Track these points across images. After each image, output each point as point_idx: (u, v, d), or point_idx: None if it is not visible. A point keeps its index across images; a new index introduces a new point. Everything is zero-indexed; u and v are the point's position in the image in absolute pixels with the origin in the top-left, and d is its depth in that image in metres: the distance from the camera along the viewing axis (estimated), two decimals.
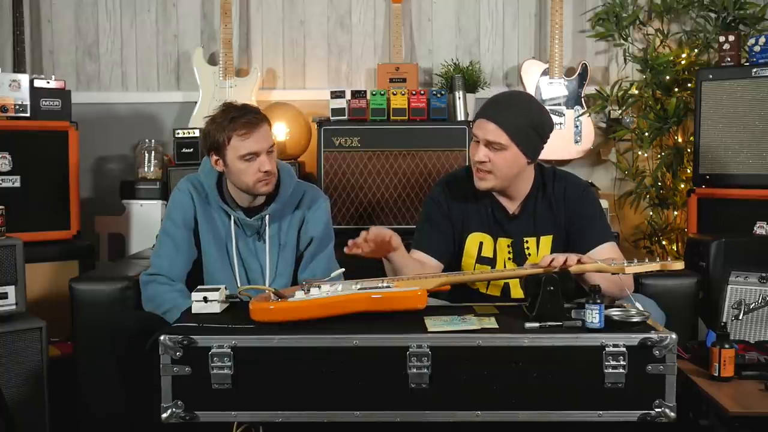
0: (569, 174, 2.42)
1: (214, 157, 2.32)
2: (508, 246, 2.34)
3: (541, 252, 2.30)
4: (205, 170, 2.41)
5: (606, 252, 2.22)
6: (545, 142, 2.31)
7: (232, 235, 2.39)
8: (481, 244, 2.35)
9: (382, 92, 3.24)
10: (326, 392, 1.82)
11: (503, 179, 2.26)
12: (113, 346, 2.18)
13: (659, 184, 3.61)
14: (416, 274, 2.16)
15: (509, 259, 2.34)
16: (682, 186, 3.55)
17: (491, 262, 2.35)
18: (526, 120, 2.23)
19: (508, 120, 2.21)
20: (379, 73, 3.57)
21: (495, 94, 2.43)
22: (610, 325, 1.85)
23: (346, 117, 3.25)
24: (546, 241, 2.32)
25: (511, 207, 2.35)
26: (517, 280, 2.28)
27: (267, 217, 2.39)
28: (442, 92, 3.28)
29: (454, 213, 2.37)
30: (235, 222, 2.39)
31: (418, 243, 2.37)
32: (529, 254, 2.32)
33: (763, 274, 2.51)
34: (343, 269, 2.21)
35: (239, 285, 2.37)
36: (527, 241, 2.33)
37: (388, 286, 2.00)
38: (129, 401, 2.20)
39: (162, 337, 1.81)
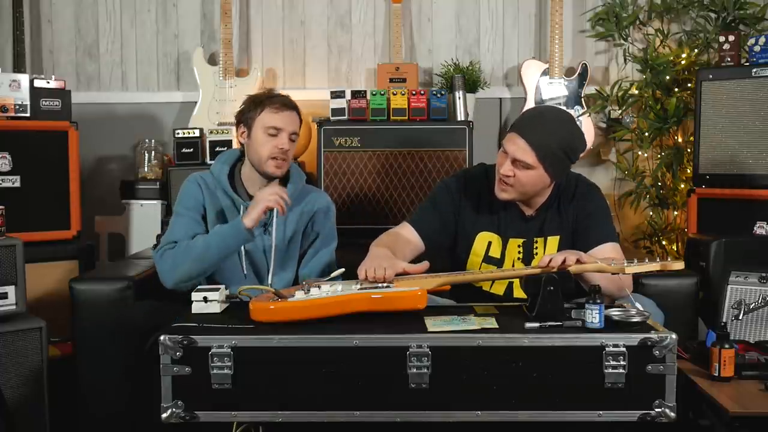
0: (579, 175, 2.42)
1: (241, 129, 2.42)
2: (519, 246, 2.34)
3: (549, 252, 2.29)
4: (218, 164, 2.46)
5: (607, 251, 2.22)
6: (573, 163, 2.28)
7: None
8: (489, 243, 2.35)
9: (382, 92, 3.24)
10: (326, 392, 1.82)
11: (523, 194, 2.26)
12: (113, 345, 2.18)
13: (659, 184, 3.61)
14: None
15: (518, 259, 2.34)
16: (682, 186, 3.55)
17: (498, 262, 2.34)
18: (557, 141, 2.18)
19: (539, 139, 2.16)
20: (379, 73, 3.57)
21: (531, 108, 2.40)
22: (610, 325, 1.85)
23: (346, 117, 3.24)
24: (553, 241, 2.33)
25: (528, 211, 2.35)
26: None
27: (275, 209, 2.40)
28: (442, 92, 3.27)
29: (465, 208, 2.37)
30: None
31: (412, 218, 2.39)
32: (537, 254, 2.32)
33: (763, 274, 2.50)
34: (343, 269, 2.22)
35: (245, 275, 2.38)
36: (536, 241, 2.33)
37: (388, 286, 2.00)
38: (129, 401, 2.20)
39: (162, 337, 1.81)
